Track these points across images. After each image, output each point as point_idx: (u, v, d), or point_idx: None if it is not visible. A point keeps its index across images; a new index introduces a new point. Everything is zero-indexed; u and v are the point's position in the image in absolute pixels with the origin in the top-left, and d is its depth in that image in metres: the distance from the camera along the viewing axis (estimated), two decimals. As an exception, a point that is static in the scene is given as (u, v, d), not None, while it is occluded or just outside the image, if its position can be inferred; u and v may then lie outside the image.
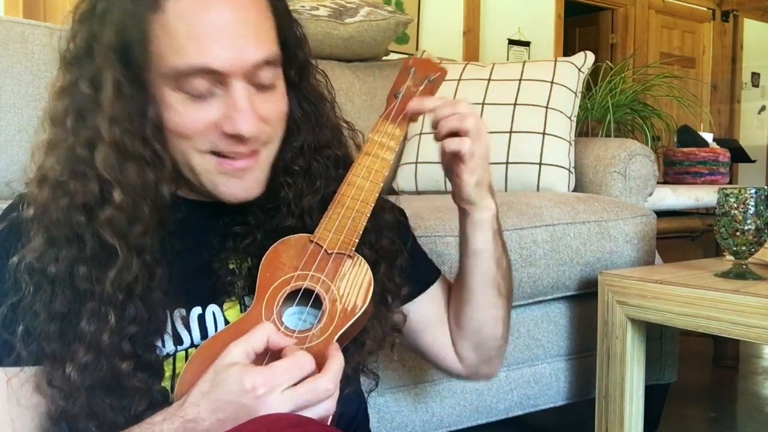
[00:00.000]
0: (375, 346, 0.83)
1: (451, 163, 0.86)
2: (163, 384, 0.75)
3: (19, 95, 1.45)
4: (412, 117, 0.85)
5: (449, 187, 2.08)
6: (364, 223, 0.79)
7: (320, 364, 0.69)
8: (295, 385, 0.65)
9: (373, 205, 0.80)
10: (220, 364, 0.66)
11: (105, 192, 0.70)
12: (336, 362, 0.68)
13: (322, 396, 0.66)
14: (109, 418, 0.70)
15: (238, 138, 0.73)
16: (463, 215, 0.91)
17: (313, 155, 0.83)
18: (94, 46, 0.72)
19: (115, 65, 0.70)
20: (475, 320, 0.95)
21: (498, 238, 0.92)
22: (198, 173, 0.75)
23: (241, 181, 0.76)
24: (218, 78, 0.71)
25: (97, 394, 0.70)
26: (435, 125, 0.85)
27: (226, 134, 0.72)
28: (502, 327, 0.97)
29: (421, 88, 0.87)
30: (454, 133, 0.83)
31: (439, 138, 0.85)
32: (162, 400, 0.72)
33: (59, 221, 0.71)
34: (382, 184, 0.81)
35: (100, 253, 0.70)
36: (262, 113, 0.74)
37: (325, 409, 0.66)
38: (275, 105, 0.77)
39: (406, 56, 2.52)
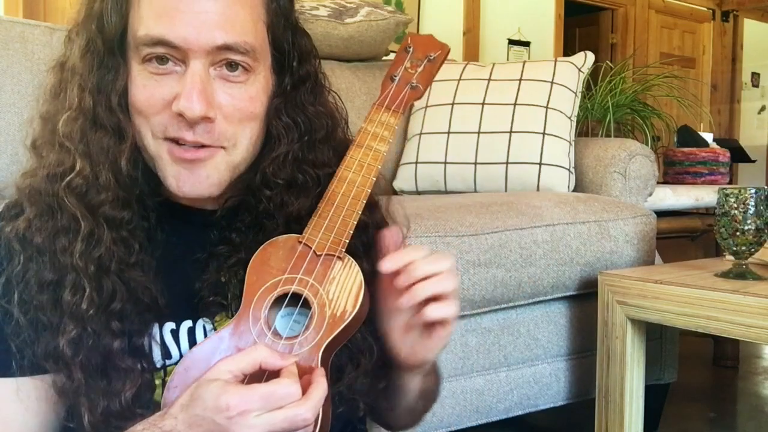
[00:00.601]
0: (368, 371, 0.78)
1: (426, 329, 0.75)
2: (154, 397, 0.74)
3: (19, 95, 1.45)
4: (408, 103, 0.80)
5: (449, 186, 2.07)
6: (355, 222, 0.75)
7: (307, 374, 0.67)
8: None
9: (365, 201, 0.76)
10: (204, 378, 0.65)
11: (68, 159, 0.72)
12: (319, 390, 0.65)
13: (299, 425, 0.63)
14: (101, 404, 0.70)
15: (183, 119, 0.70)
16: (400, 367, 0.81)
17: (300, 167, 0.78)
18: (84, 21, 0.74)
19: (93, 34, 0.72)
20: None
21: (428, 373, 0.83)
22: (154, 159, 0.73)
23: (190, 175, 0.72)
24: (178, 54, 0.70)
25: (91, 374, 0.70)
26: (403, 283, 0.72)
27: (174, 114, 0.70)
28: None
29: (420, 69, 0.81)
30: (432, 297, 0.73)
31: (411, 303, 0.72)
32: (149, 394, 0.73)
33: (40, 192, 0.72)
34: (374, 179, 0.76)
35: (71, 223, 0.71)
36: (221, 102, 0.71)
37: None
38: (239, 100, 0.72)
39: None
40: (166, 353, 0.75)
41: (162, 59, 0.70)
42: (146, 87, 0.71)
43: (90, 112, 0.72)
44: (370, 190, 0.76)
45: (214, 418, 0.62)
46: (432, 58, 0.82)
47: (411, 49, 0.82)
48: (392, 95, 0.80)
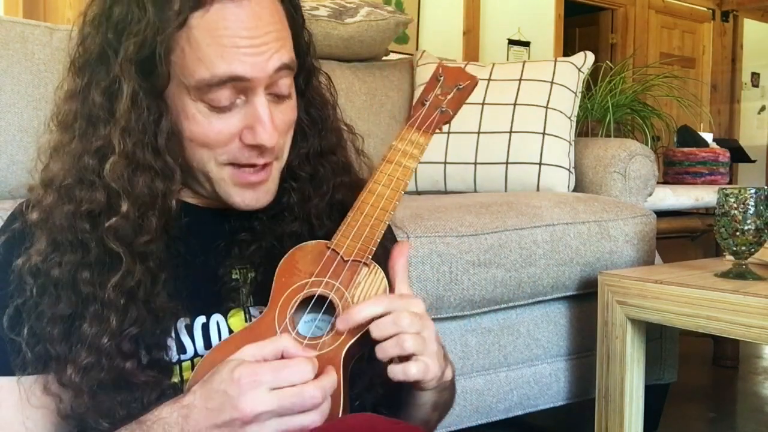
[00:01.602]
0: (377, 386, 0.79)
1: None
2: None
3: (19, 95, 1.45)
4: (438, 125, 0.84)
5: (449, 187, 2.07)
6: (383, 231, 0.78)
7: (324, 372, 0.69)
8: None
9: (392, 213, 0.79)
10: (229, 359, 0.67)
11: (112, 201, 0.71)
12: (329, 378, 0.67)
13: (307, 403, 0.64)
14: (119, 412, 0.71)
15: (258, 149, 0.74)
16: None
17: (319, 161, 0.83)
18: (109, 53, 0.72)
19: (133, 77, 0.70)
20: None
21: (441, 389, 0.81)
22: (214, 182, 0.76)
23: (254, 193, 0.78)
24: (243, 86, 0.72)
25: (102, 394, 0.70)
26: (375, 337, 0.72)
27: (246, 145, 0.74)
28: None
29: (449, 96, 0.86)
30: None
31: (381, 359, 0.72)
32: (173, 393, 0.73)
33: (63, 227, 0.71)
34: (402, 192, 0.80)
35: (104, 258, 0.71)
36: (277, 124, 0.75)
37: (311, 420, 0.65)
38: (288, 116, 0.77)
39: (407, 56, 2.52)
40: (180, 348, 0.77)
41: (221, 93, 0.71)
42: (210, 123, 0.72)
43: (132, 156, 0.71)
44: (398, 203, 0.80)
45: (226, 390, 0.64)
46: (461, 87, 0.87)
47: (442, 79, 0.87)
48: (423, 117, 0.84)
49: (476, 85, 0.88)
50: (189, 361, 0.77)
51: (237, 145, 0.74)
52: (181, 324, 0.77)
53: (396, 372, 0.71)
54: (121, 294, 0.71)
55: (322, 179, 0.83)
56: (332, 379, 0.67)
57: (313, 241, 0.78)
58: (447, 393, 0.85)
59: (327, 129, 0.85)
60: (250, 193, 0.77)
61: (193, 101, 0.72)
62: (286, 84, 0.75)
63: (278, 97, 0.75)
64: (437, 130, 0.84)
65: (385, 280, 0.76)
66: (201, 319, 0.78)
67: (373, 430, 0.63)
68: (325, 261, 0.76)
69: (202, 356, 0.76)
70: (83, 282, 0.71)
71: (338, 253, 0.76)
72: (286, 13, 0.77)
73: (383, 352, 0.71)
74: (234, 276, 0.79)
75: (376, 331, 0.71)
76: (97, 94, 0.72)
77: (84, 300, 0.71)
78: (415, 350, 0.71)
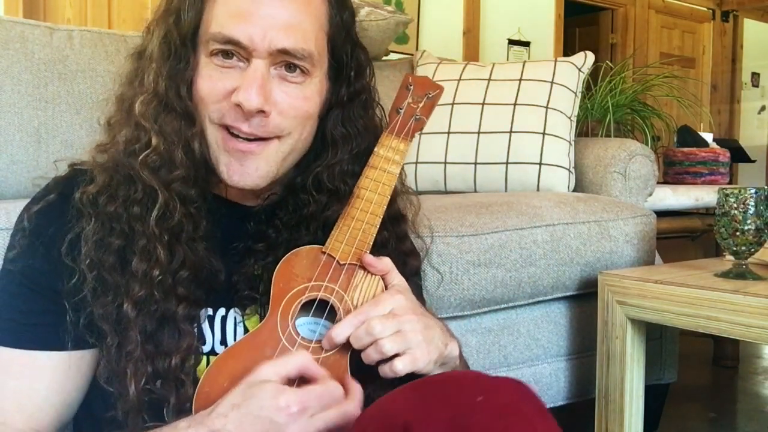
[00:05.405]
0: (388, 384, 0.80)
1: None
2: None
3: (19, 95, 1.44)
4: (414, 132, 0.88)
5: (449, 186, 2.07)
6: (374, 234, 0.81)
7: (335, 376, 0.71)
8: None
9: (381, 216, 0.82)
10: (253, 380, 0.68)
11: (144, 137, 0.77)
12: (357, 390, 0.71)
13: (350, 420, 0.68)
14: (148, 366, 0.73)
15: (240, 110, 0.75)
16: None
17: (343, 178, 0.84)
18: (166, 17, 0.80)
19: (171, 26, 0.78)
20: None
21: (452, 368, 0.84)
22: (209, 145, 0.79)
23: (240, 166, 0.78)
24: (243, 52, 0.76)
25: (146, 337, 0.73)
26: (356, 348, 0.75)
27: (233, 105, 0.75)
28: None
29: (421, 104, 0.91)
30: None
31: (369, 364, 0.75)
32: (195, 353, 0.76)
33: (116, 163, 0.78)
34: (389, 197, 0.83)
35: (147, 194, 0.76)
36: (277, 99, 0.77)
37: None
38: (294, 99, 0.78)
39: (407, 56, 2.52)
40: (201, 338, 0.78)
41: (228, 54, 0.77)
42: (211, 77, 0.77)
43: (163, 96, 0.77)
44: (385, 207, 0.82)
45: (271, 417, 0.65)
46: (431, 95, 0.92)
47: (411, 88, 0.92)
48: (400, 124, 0.88)
49: (443, 93, 0.93)
50: (205, 357, 0.78)
51: (227, 105, 0.76)
52: (204, 315, 0.79)
53: (385, 371, 0.74)
54: (165, 231, 0.74)
55: (342, 196, 0.83)
56: (359, 391, 0.71)
57: (307, 246, 0.80)
58: (461, 368, 0.86)
59: (362, 153, 0.86)
60: (237, 166, 0.78)
61: (206, 58, 0.77)
62: (296, 69, 0.77)
63: (286, 78, 0.78)
64: (414, 136, 0.88)
65: (381, 281, 0.79)
66: (221, 312, 0.80)
67: (477, 380, 0.65)
68: (322, 265, 0.78)
69: (217, 354, 0.77)
70: (133, 217, 0.75)
71: (334, 258, 0.78)
72: (327, 15, 0.81)
73: (367, 358, 0.74)
74: (256, 273, 0.81)
75: (355, 343, 0.73)
76: (150, 48, 0.80)
77: (135, 234, 0.75)
78: (397, 350, 0.73)
